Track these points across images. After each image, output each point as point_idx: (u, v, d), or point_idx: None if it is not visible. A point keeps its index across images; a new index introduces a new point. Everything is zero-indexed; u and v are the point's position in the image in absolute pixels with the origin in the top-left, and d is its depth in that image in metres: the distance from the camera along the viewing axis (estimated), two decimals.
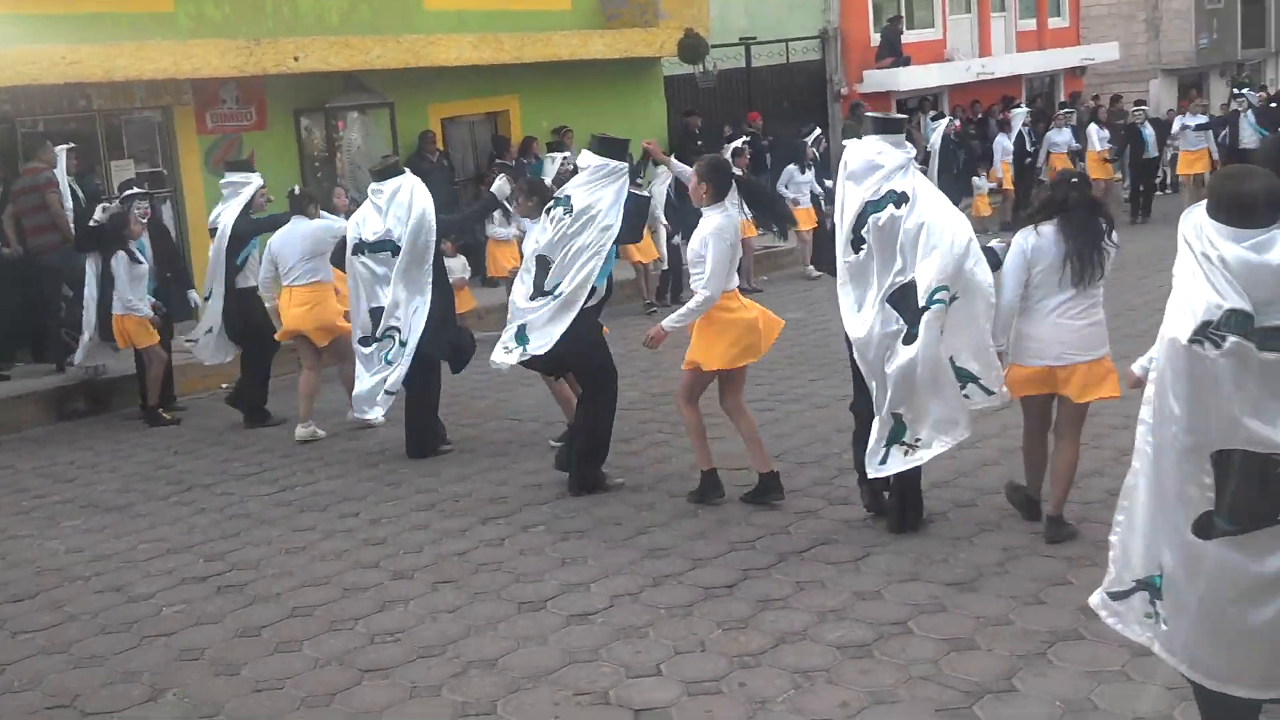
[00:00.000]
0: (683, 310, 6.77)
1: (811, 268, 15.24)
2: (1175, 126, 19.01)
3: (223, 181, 10.27)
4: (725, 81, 19.38)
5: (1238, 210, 3.51)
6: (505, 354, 7.30)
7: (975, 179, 18.42)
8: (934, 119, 17.51)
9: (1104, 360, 5.91)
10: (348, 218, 9.20)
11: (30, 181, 11.04)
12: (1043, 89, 26.49)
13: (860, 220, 5.96)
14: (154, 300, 10.02)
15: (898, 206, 5.88)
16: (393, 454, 8.59)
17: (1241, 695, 3.63)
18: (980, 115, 22.23)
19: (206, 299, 9.98)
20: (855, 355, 6.17)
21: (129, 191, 10.51)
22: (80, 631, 5.79)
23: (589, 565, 6.17)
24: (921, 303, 5.82)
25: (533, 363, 7.38)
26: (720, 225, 6.63)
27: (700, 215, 6.82)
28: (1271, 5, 33.61)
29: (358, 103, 14.57)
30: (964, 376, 5.99)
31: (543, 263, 7.24)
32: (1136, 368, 4.23)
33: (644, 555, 6.24)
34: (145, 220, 10.35)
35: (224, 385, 11.22)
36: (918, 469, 6.18)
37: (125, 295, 9.75)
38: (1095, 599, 3.98)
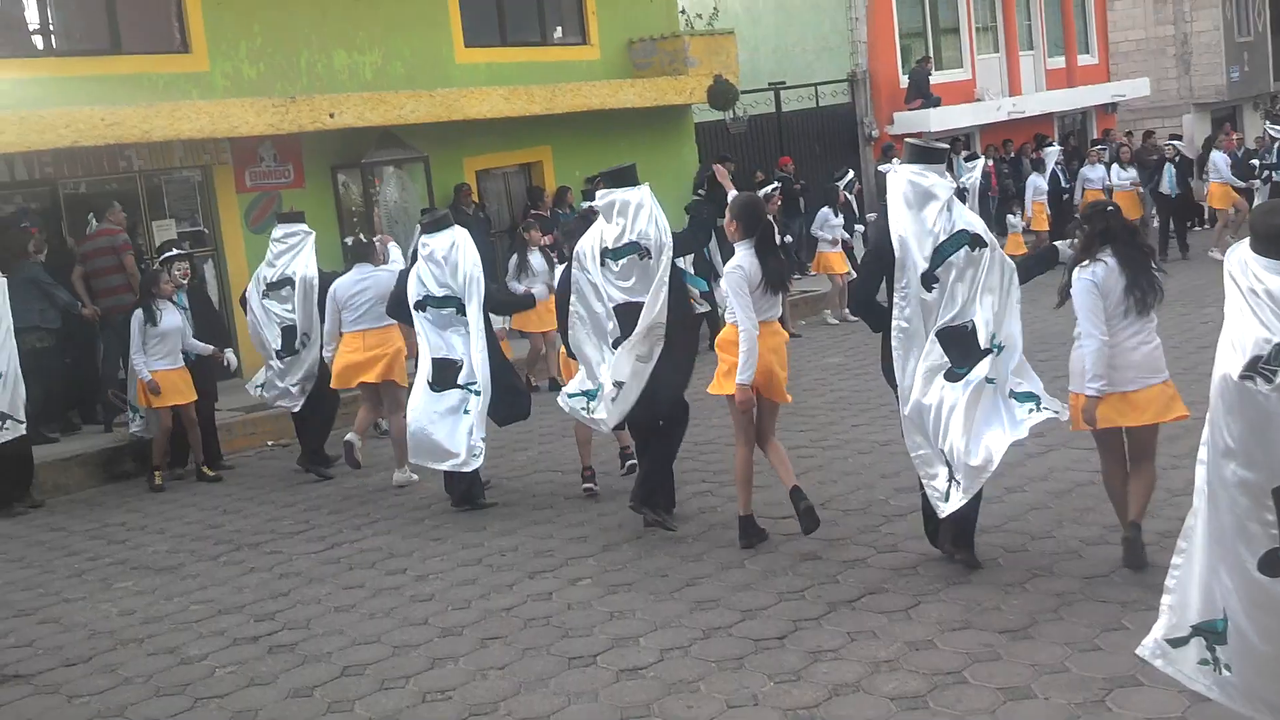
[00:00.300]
0: (741, 360, 6.80)
1: (847, 310, 15.22)
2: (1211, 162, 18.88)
3: (275, 234, 10.44)
4: (756, 127, 19.49)
5: (1279, 243, 3.51)
6: (610, 406, 7.32)
7: (1010, 217, 18.38)
8: (967, 159, 17.50)
9: (1169, 383, 6.03)
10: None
11: (107, 243, 11.40)
12: (1075, 126, 26.46)
13: (937, 258, 6.04)
14: (150, 378, 9.90)
15: (973, 249, 6.05)
16: (438, 509, 8.62)
17: None
18: (1013, 154, 22.21)
19: (286, 351, 10.12)
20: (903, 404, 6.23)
21: (169, 253, 10.66)
22: (135, 695, 5.82)
23: (638, 618, 6.15)
24: (984, 345, 6.02)
25: (652, 409, 7.38)
26: (739, 261, 6.82)
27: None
28: None
29: (393, 157, 14.73)
30: (1027, 399, 6.10)
31: (628, 311, 7.25)
32: None
33: (693, 608, 6.22)
34: (186, 281, 10.49)
35: (269, 443, 11.33)
36: (977, 504, 6.29)
37: (138, 357, 9.80)
38: (1148, 646, 3.93)
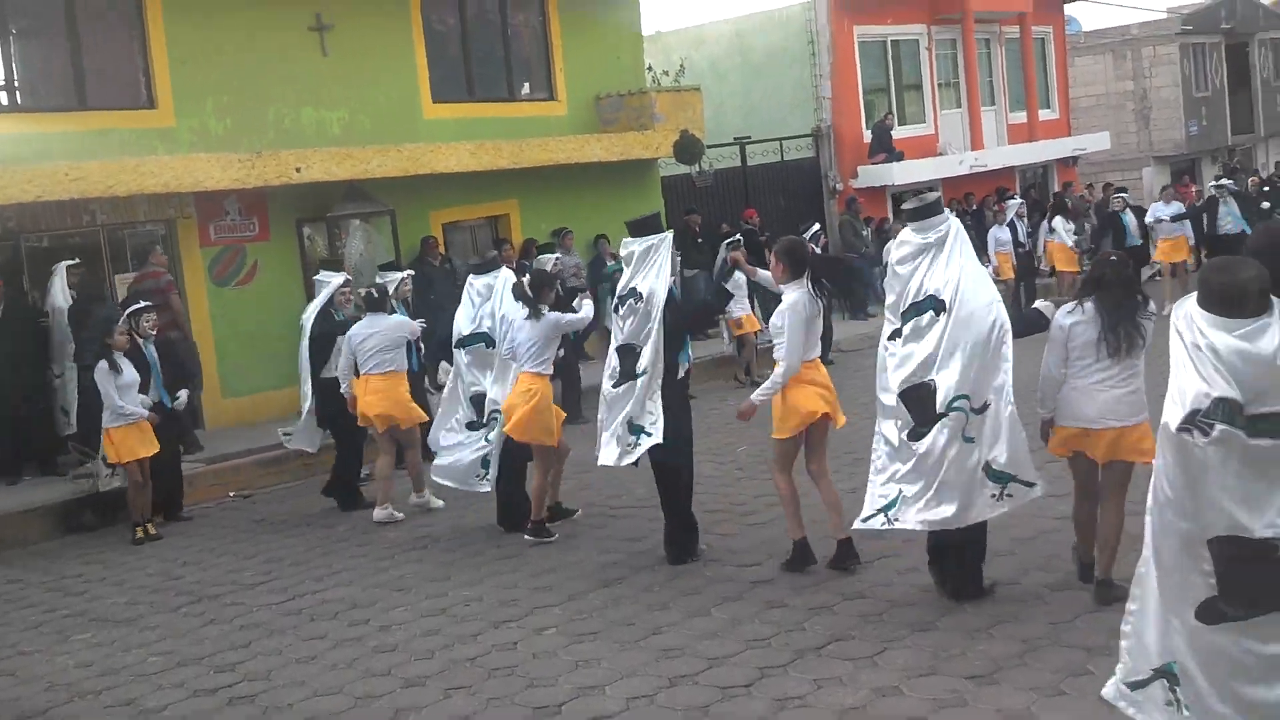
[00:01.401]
0: (767, 384, 7.15)
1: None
2: (1149, 217, 19.10)
3: (316, 278, 11.19)
4: (722, 180, 19.63)
5: (1228, 301, 3.57)
6: (628, 450, 7.65)
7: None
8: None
9: (1142, 425, 6.10)
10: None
11: (154, 284, 12.00)
12: (1036, 179, 26.80)
13: (905, 317, 6.36)
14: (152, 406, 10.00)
15: (936, 314, 6.24)
16: (402, 559, 8.55)
17: None
18: (975, 207, 22.47)
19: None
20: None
21: (135, 306, 10.60)
22: None
23: (603, 667, 6.10)
24: (940, 409, 6.18)
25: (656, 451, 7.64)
26: (795, 300, 7.11)
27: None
28: (1259, 92, 34.20)
29: (360, 211, 14.73)
30: (1002, 479, 6.25)
31: (628, 352, 7.68)
32: None
33: (659, 656, 6.17)
34: (155, 332, 10.44)
35: (232, 494, 11.23)
36: (982, 547, 6.53)
37: (114, 404, 9.71)
38: (1110, 690, 3.96)
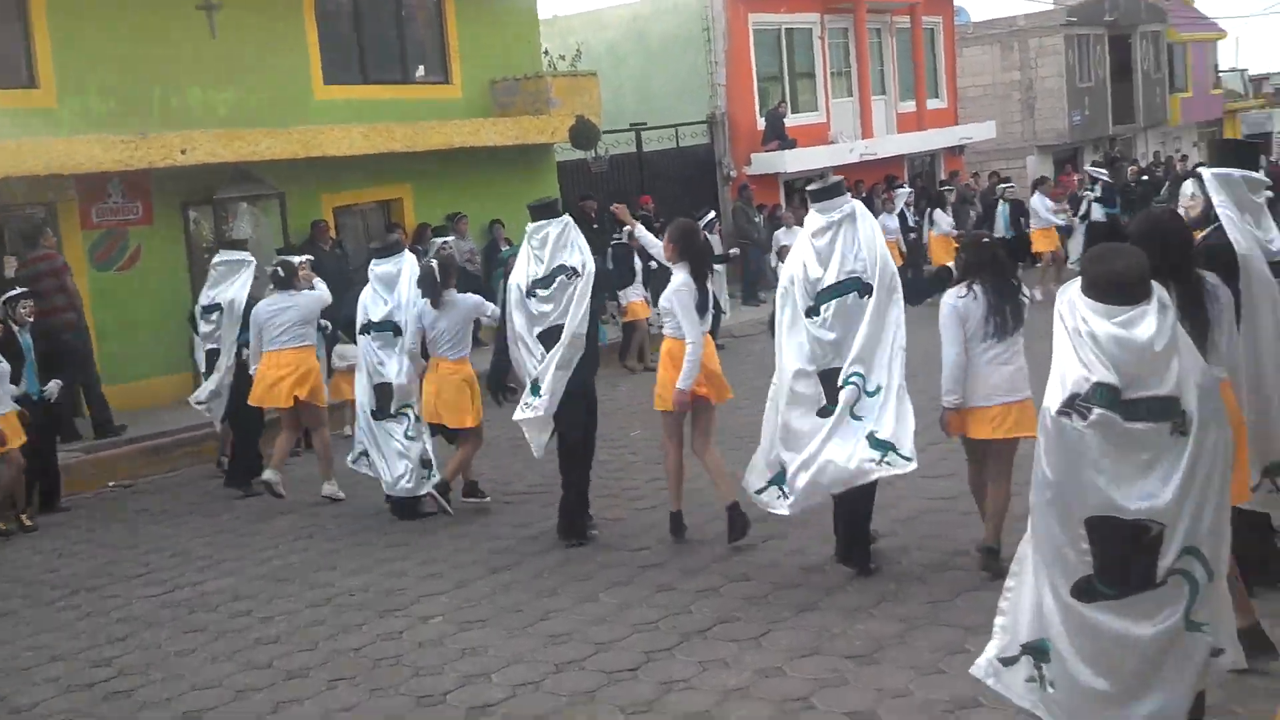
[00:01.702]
0: (685, 367, 7.23)
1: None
2: (1036, 205, 19.49)
3: (217, 260, 10.74)
4: (617, 166, 19.64)
5: (1109, 289, 3.66)
6: (525, 409, 7.75)
7: None
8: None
9: (1027, 401, 6.33)
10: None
11: (49, 266, 11.83)
12: (924, 168, 27.25)
13: (823, 298, 6.55)
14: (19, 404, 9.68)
15: (861, 296, 6.51)
16: (287, 549, 8.42)
17: None
18: (865, 195, 22.75)
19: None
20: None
21: (10, 294, 10.29)
22: None
23: (490, 655, 6.08)
24: (839, 383, 6.50)
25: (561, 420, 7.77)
26: (682, 281, 7.34)
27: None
28: (1140, 84, 35.15)
29: (247, 193, 14.44)
30: (883, 447, 6.44)
31: (553, 335, 7.69)
32: None
33: (546, 642, 6.17)
34: (31, 320, 10.13)
35: (111, 484, 10.97)
36: (870, 511, 6.79)
37: None
38: (981, 665, 4.05)
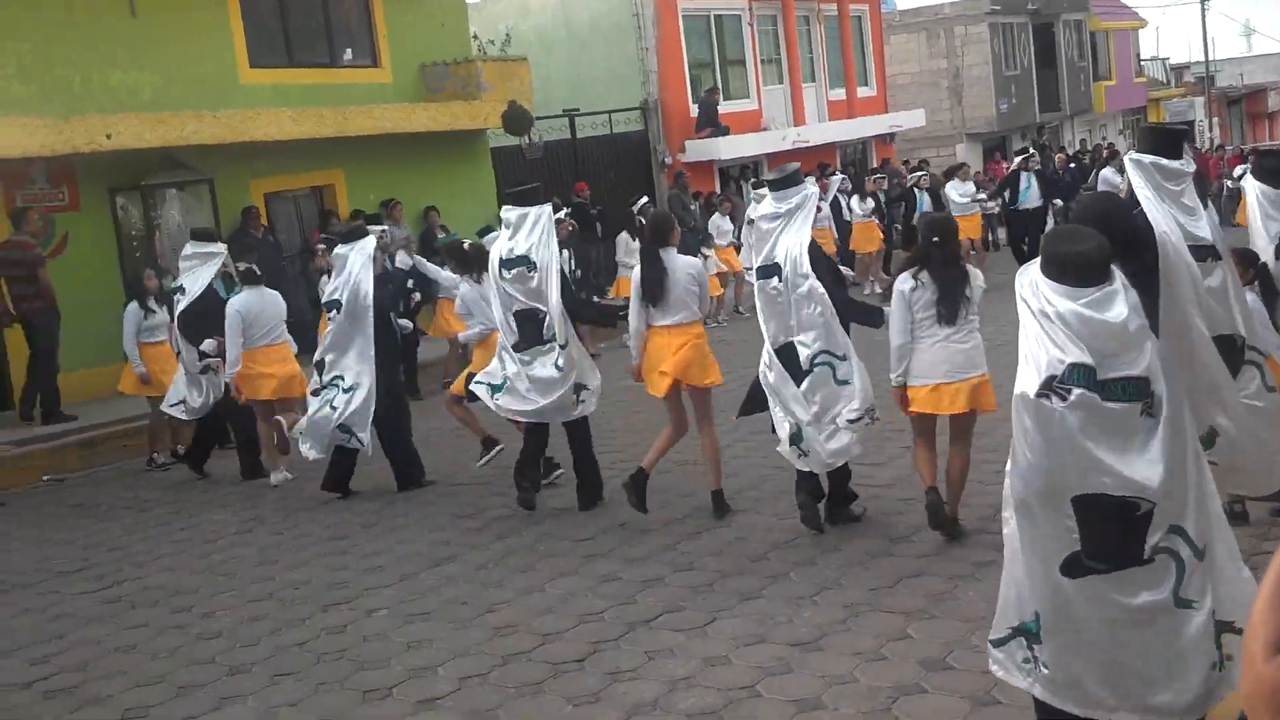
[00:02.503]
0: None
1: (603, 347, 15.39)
2: (951, 193, 19.74)
3: (188, 251, 10.51)
4: (551, 153, 19.58)
5: (1074, 270, 3.72)
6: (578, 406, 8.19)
7: None
8: (755, 186, 17.98)
9: (984, 378, 6.76)
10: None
11: (21, 255, 11.83)
12: (856, 155, 27.49)
13: (758, 274, 7.13)
14: None
15: (779, 280, 6.97)
16: (227, 544, 8.34)
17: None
18: None
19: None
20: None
21: None
22: None
23: (436, 648, 6.07)
24: (805, 366, 6.95)
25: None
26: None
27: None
28: (1064, 72, 35.71)
29: (175, 179, 14.21)
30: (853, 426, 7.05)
31: (528, 316, 7.99)
32: None
33: (492, 634, 6.18)
34: None
35: (45, 478, 10.78)
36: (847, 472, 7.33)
37: None
38: (990, 654, 4.08)
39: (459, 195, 17.51)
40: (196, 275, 10.19)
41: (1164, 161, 5.58)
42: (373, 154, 16.34)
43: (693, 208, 20.55)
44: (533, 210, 8.03)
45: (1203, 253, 5.60)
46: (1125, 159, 5.82)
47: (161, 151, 13.75)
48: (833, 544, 7.03)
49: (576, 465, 8.36)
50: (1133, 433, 3.68)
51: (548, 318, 7.94)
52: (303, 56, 16.25)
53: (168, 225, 14.23)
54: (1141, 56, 44.61)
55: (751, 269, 7.35)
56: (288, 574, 7.52)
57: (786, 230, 7.02)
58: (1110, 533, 3.69)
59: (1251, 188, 6.98)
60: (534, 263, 7.90)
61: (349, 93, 16.25)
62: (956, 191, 19.03)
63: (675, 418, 7.87)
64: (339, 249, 9.26)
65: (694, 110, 22.70)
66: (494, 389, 8.22)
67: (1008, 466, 3.86)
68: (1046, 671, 3.83)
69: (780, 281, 6.97)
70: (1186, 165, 5.51)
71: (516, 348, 8.07)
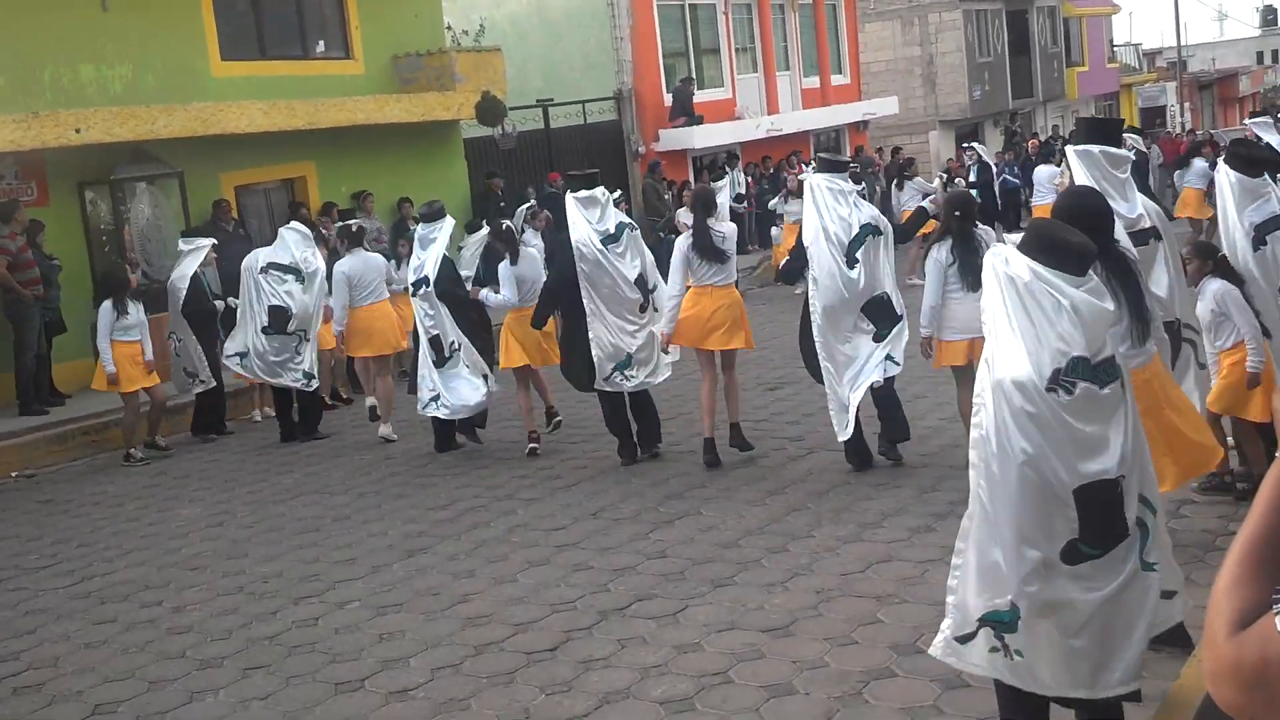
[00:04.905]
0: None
1: None
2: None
3: (182, 246, 11.47)
4: (525, 143, 19.53)
5: (1078, 259, 3.76)
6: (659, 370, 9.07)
7: (773, 230, 18.98)
8: (725, 175, 18.01)
9: None
10: (133, 298, 10.84)
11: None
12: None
13: (855, 243, 7.79)
14: None
15: (875, 236, 7.87)
16: (196, 537, 8.30)
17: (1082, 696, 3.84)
18: (772, 170, 22.94)
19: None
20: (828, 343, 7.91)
21: None
22: None
23: (408, 639, 6.06)
24: (899, 311, 7.95)
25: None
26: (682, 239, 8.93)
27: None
28: (1037, 58, 35.81)
29: (145, 173, 14.09)
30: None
31: (643, 283, 8.91)
32: None
33: (464, 625, 6.17)
34: None
35: (14, 474, 10.70)
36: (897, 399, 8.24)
37: None
38: (939, 646, 4.01)
39: (432, 186, 17.41)
40: (183, 267, 11.14)
41: (1112, 150, 5.66)
42: (345, 145, 16.25)
43: (667, 197, 20.54)
44: (599, 190, 8.81)
45: (1144, 235, 5.71)
46: (1069, 151, 5.91)
47: (131, 145, 13.64)
48: (804, 530, 7.05)
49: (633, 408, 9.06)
50: (1115, 411, 3.76)
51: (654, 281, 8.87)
52: (275, 49, 16.12)
53: (137, 219, 14.14)
54: (1114, 42, 44.76)
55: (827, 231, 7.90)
56: (259, 567, 7.49)
57: (857, 202, 8.01)
58: (1106, 517, 3.73)
59: (1224, 176, 6.80)
60: (633, 228, 8.84)
61: (322, 85, 16.15)
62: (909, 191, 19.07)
63: (709, 374, 8.73)
64: (420, 229, 9.92)
65: (668, 99, 22.66)
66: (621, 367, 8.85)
67: (971, 458, 3.85)
68: (1020, 659, 3.82)
69: (877, 237, 7.88)
70: (1128, 152, 5.62)
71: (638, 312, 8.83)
